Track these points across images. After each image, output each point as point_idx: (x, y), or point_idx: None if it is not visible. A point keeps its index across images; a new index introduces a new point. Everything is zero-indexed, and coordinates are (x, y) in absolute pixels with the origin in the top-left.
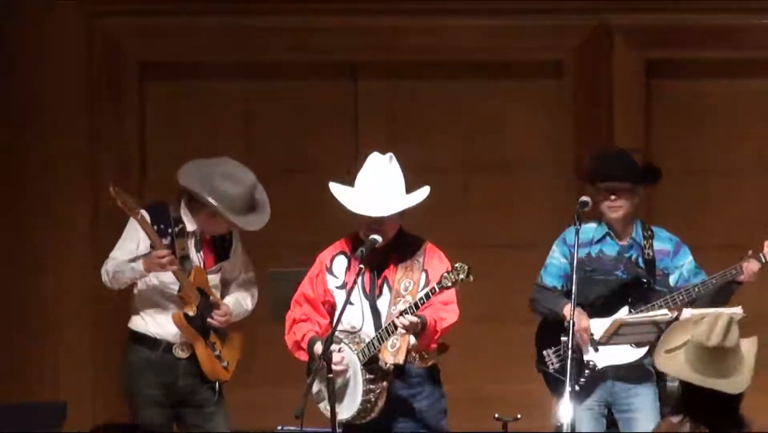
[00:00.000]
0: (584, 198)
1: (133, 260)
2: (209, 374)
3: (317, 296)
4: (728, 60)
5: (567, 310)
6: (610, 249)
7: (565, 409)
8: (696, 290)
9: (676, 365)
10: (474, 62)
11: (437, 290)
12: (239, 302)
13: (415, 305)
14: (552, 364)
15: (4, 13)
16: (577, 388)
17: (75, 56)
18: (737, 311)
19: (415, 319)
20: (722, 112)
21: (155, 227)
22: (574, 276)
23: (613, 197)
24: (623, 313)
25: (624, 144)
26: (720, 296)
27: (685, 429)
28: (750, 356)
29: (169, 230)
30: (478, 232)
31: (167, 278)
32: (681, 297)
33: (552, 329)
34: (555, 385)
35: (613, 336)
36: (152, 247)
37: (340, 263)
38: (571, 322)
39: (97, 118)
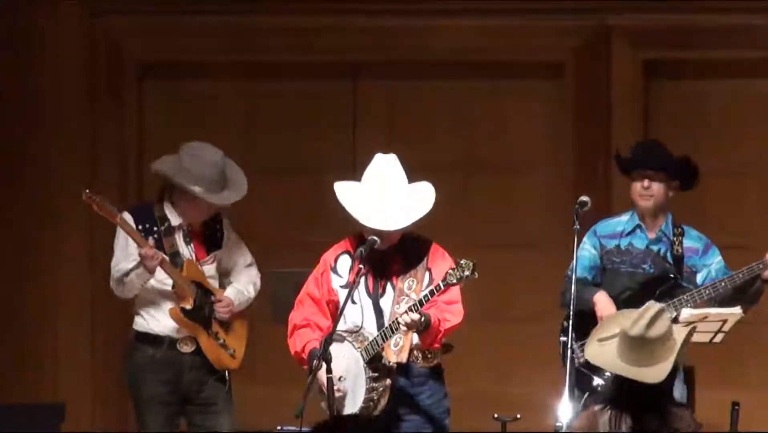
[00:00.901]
0: (583, 198)
1: (137, 265)
2: (216, 363)
3: (321, 295)
4: (728, 60)
5: (597, 298)
6: (640, 242)
7: (565, 409)
8: (723, 284)
9: (606, 354)
10: (473, 62)
11: (442, 287)
12: (240, 291)
13: (420, 302)
14: (578, 358)
15: (4, 14)
16: (603, 382)
17: (75, 56)
18: (737, 310)
19: (416, 316)
20: (722, 113)
21: (140, 227)
22: (574, 277)
23: (646, 183)
24: None
25: (623, 144)
26: (748, 295)
27: (605, 417)
28: (677, 344)
29: (155, 229)
30: (478, 232)
31: (162, 275)
32: (708, 291)
33: (577, 323)
34: (580, 380)
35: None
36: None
37: (345, 262)
38: (570, 322)
39: (97, 118)
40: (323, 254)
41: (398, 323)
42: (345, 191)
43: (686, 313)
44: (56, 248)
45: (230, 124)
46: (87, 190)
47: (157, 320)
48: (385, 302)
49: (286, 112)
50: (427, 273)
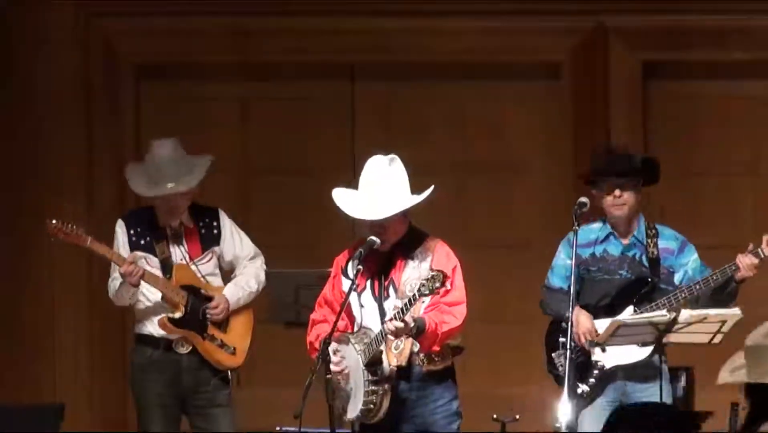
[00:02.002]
0: (582, 199)
1: (122, 281)
2: (217, 365)
3: (334, 297)
4: (725, 62)
5: (575, 313)
6: (614, 249)
7: (564, 409)
8: (698, 286)
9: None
10: (472, 64)
11: (418, 297)
12: (240, 286)
13: (402, 310)
14: (561, 366)
15: (0, 15)
16: (587, 389)
17: (71, 58)
18: (736, 311)
19: (400, 324)
20: (719, 114)
21: (131, 231)
22: (573, 277)
23: (617, 193)
24: (628, 312)
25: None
26: (723, 296)
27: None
28: None
29: (147, 233)
30: (476, 233)
31: (150, 288)
32: (683, 294)
33: (561, 331)
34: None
35: (611, 337)
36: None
37: (354, 265)
38: (570, 322)
39: (93, 120)
40: (335, 256)
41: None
42: (342, 193)
43: (686, 314)
44: (54, 248)
45: (227, 126)
46: (53, 222)
47: (154, 324)
48: (389, 305)
49: (283, 114)
50: (418, 281)
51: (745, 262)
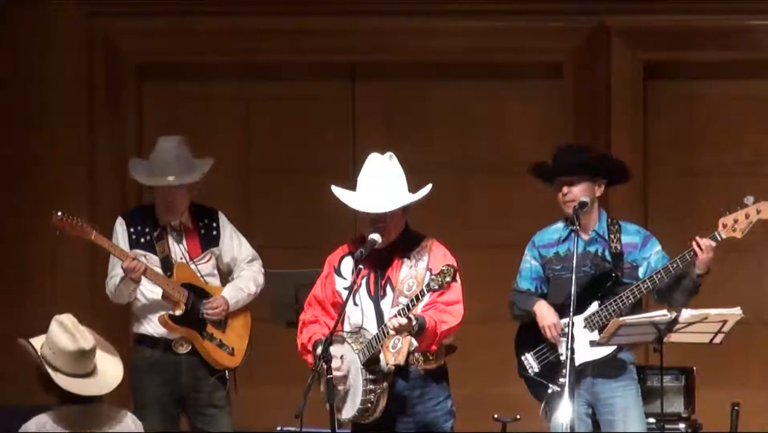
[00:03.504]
0: (584, 199)
1: (124, 277)
2: (214, 364)
3: (326, 297)
4: (726, 62)
5: (536, 307)
6: (577, 246)
7: (564, 409)
8: (659, 276)
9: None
10: (472, 63)
11: (426, 292)
12: (239, 288)
13: (407, 306)
14: (532, 368)
15: (2, 15)
16: (557, 389)
17: (74, 57)
18: (736, 311)
19: (404, 321)
20: (720, 114)
21: (132, 230)
22: (574, 276)
23: (565, 189)
24: (594, 308)
25: (622, 145)
26: (683, 288)
27: None
28: None
29: (147, 231)
30: (476, 232)
31: (151, 284)
32: (646, 285)
33: (529, 334)
34: (538, 389)
35: (612, 337)
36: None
37: (348, 264)
38: (570, 323)
39: (96, 120)
40: (328, 256)
41: (387, 328)
42: (341, 189)
43: (686, 314)
44: (56, 248)
45: (229, 126)
46: (58, 213)
47: (153, 323)
48: (386, 304)
49: (284, 114)
50: (428, 274)
51: (703, 242)
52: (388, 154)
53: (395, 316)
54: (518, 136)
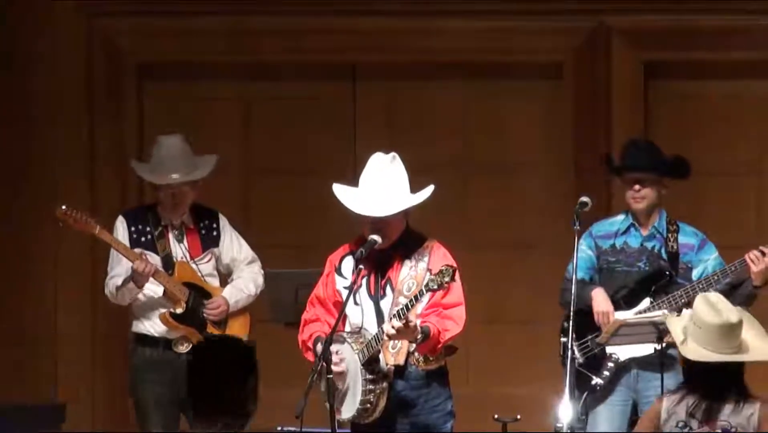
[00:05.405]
0: (584, 198)
1: (128, 279)
2: None
3: (327, 296)
4: (727, 61)
5: (595, 292)
6: (634, 240)
7: (565, 409)
8: (715, 278)
9: (696, 351)
10: (472, 63)
11: (425, 292)
12: (239, 289)
13: (405, 308)
14: (576, 358)
15: (3, 14)
16: (601, 382)
17: (74, 57)
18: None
19: (399, 324)
20: (721, 114)
21: (132, 229)
22: (574, 278)
23: (636, 187)
24: (645, 304)
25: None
26: (738, 296)
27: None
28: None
29: (148, 230)
30: (477, 233)
31: (152, 284)
32: (701, 286)
33: (576, 323)
34: (579, 379)
35: (612, 337)
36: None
37: (349, 264)
38: (570, 324)
39: (96, 120)
40: (329, 255)
41: (383, 332)
42: (342, 189)
43: (687, 313)
44: (56, 248)
45: (229, 126)
46: (63, 207)
47: (152, 322)
48: (386, 304)
49: (284, 114)
50: (428, 275)
51: (752, 254)
52: (392, 154)
53: (390, 320)
54: (518, 137)
